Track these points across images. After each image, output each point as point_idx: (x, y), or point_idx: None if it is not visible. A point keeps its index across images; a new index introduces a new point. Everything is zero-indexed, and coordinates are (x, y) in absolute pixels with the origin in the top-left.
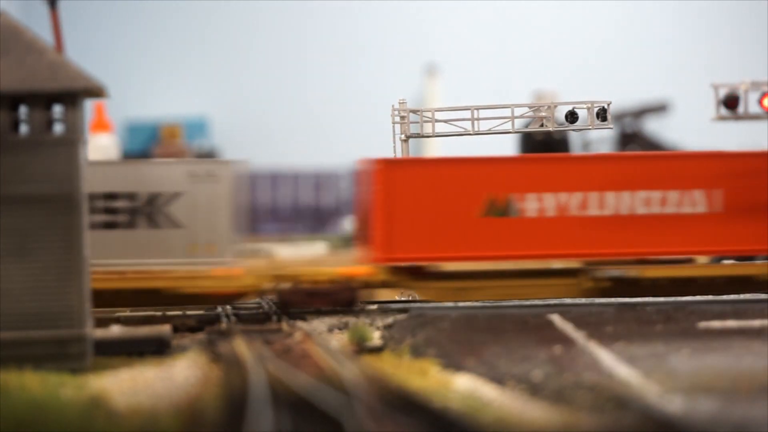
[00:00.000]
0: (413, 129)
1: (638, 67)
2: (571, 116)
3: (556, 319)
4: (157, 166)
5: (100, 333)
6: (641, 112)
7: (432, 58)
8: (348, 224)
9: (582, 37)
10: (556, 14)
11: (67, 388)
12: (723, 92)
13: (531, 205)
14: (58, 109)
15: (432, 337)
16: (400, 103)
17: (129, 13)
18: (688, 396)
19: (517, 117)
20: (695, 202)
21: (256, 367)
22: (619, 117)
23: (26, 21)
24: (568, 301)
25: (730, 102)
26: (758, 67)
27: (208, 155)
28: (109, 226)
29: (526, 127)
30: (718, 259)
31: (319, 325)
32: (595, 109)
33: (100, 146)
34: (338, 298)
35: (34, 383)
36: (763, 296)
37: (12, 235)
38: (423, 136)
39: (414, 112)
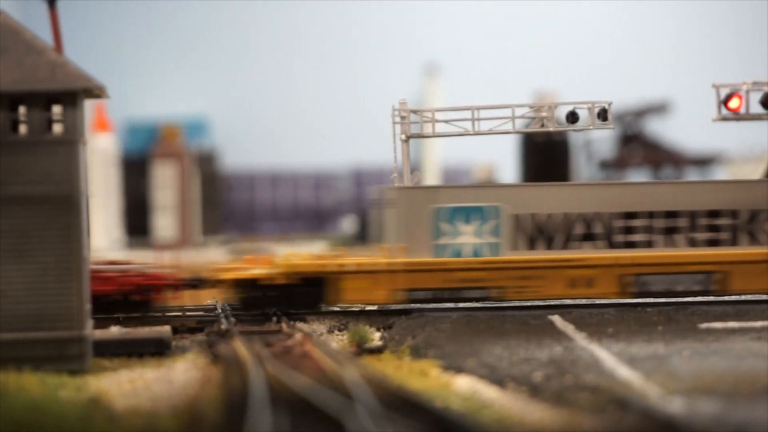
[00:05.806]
0: (413, 129)
1: (639, 67)
2: (572, 116)
3: (556, 320)
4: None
5: (99, 334)
6: (642, 112)
7: (432, 58)
8: (347, 224)
9: (582, 37)
10: (557, 14)
11: (66, 389)
12: (724, 92)
13: None
14: (57, 110)
15: (432, 339)
16: (400, 103)
17: (129, 13)
18: (689, 397)
19: (517, 117)
20: None
21: (256, 368)
22: (620, 117)
23: (26, 21)
24: (569, 302)
25: None
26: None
27: (208, 155)
28: (713, 243)
29: (527, 127)
30: None
31: (318, 326)
32: (596, 110)
33: (100, 146)
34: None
35: (33, 384)
36: (764, 297)
37: (11, 236)
38: (423, 137)
39: (414, 112)
